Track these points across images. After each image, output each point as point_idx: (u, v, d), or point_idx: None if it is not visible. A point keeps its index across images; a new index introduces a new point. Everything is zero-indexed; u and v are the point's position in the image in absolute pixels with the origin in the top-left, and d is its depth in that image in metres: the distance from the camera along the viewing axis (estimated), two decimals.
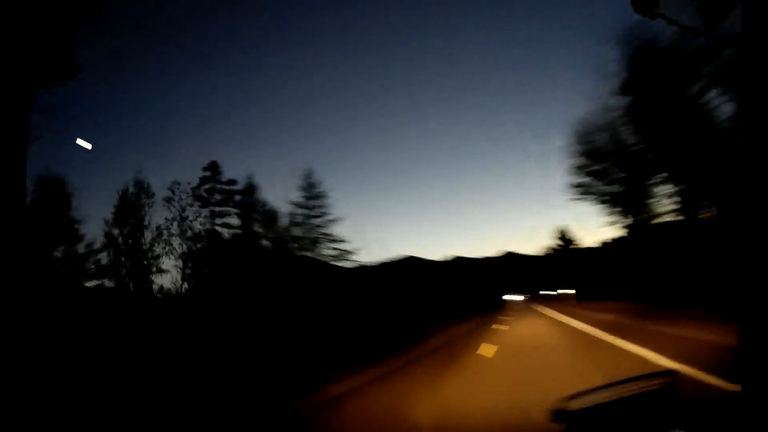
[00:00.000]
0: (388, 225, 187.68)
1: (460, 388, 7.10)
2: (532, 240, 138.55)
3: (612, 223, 28.96)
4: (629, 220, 27.82)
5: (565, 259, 62.67)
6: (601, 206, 29.10)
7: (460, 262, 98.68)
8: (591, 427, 1.94)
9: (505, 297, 68.81)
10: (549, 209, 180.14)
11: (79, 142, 19.04)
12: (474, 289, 67.86)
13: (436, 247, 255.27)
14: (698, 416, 1.88)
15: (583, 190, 29.69)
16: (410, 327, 19.86)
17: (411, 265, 74.43)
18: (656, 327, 10.71)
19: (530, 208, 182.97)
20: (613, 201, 28.45)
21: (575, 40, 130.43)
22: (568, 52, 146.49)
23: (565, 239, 67.85)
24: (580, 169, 29.44)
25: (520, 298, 70.43)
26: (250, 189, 31.79)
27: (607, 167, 28.07)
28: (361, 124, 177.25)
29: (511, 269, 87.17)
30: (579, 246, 64.32)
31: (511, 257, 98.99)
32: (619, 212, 28.24)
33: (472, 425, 5.17)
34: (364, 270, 59.73)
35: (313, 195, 33.89)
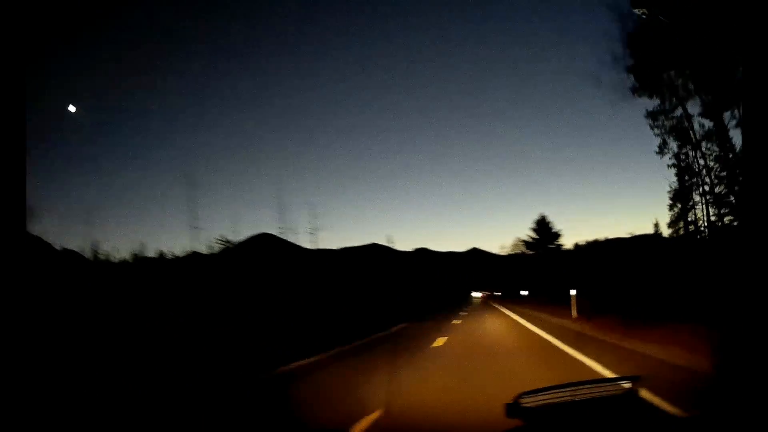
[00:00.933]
0: (357, 212, 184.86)
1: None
2: (505, 236, 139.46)
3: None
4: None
5: (533, 259, 56.99)
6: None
7: (424, 253, 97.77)
8: (546, 425, 1.88)
9: (464, 293, 68.28)
10: (524, 207, 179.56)
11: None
12: (433, 283, 66.52)
13: (405, 238, 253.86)
14: (656, 425, 1.90)
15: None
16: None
17: (375, 252, 72.54)
18: (618, 340, 9.54)
19: (505, 205, 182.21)
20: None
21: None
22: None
23: (545, 232, 57.30)
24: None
25: (479, 294, 69.25)
26: None
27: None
28: (332, 118, 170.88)
29: (476, 266, 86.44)
30: (556, 245, 56.24)
31: (476, 253, 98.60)
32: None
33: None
34: (326, 253, 57.45)
35: None
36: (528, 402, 1.88)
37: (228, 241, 25.70)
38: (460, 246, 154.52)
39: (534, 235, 58.47)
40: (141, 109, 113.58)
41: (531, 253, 60.31)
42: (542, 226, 57.96)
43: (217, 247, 25.37)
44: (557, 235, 57.30)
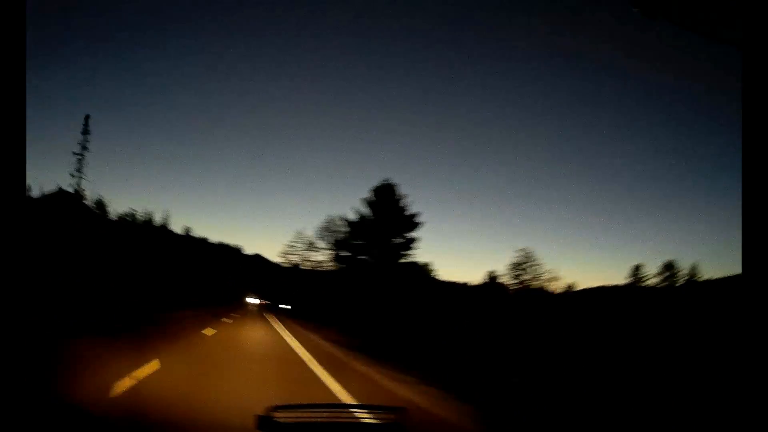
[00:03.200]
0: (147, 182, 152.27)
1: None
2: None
3: None
4: None
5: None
6: None
7: (193, 241, 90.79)
8: None
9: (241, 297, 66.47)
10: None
11: None
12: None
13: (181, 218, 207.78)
14: None
15: None
16: None
17: (152, 230, 64.17)
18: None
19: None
20: None
21: None
22: None
23: (388, 206, 32.20)
24: None
25: (256, 301, 67.98)
26: None
27: None
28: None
29: (254, 271, 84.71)
30: (408, 238, 32.46)
31: (258, 260, 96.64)
32: None
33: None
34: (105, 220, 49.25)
35: None
36: (282, 417, 1.81)
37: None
38: (246, 247, 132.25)
39: (368, 212, 33.12)
40: None
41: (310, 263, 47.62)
42: (385, 196, 32.63)
43: None
44: (413, 222, 32.58)
